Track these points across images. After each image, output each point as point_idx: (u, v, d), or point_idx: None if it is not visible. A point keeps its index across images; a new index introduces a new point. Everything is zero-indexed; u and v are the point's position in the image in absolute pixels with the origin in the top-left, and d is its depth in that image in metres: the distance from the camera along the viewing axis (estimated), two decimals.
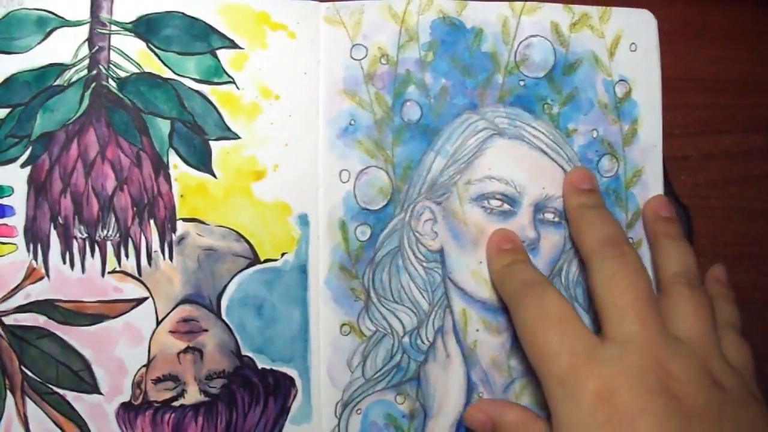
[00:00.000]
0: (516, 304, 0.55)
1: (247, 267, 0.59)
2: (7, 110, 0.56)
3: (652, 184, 0.62)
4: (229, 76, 0.59)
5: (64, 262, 0.57)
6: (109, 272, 0.58)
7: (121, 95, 0.58)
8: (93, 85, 0.57)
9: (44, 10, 0.57)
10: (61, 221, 0.57)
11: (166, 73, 0.58)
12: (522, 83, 0.62)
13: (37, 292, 0.57)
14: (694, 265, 0.57)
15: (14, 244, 0.56)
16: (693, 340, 0.52)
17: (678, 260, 0.57)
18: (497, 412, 0.57)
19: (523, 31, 0.62)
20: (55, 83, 0.57)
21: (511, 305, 0.56)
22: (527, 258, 0.59)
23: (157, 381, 0.58)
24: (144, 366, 0.58)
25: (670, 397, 0.47)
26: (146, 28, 0.58)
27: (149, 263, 0.58)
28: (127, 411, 0.58)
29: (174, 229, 0.58)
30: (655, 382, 0.48)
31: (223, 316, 0.59)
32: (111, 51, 0.58)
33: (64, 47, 0.57)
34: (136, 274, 0.58)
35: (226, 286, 0.59)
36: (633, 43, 0.62)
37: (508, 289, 0.57)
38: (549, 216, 0.61)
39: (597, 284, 0.54)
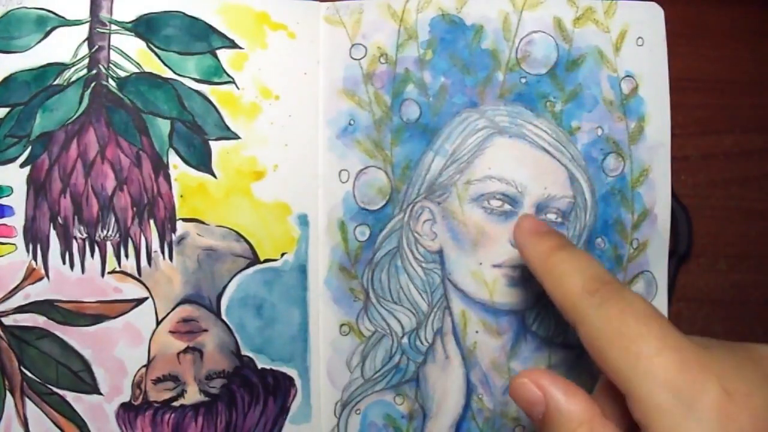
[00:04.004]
0: (588, 303, 0.44)
1: (247, 267, 0.59)
2: (7, 110, 0.56)
3: (659, 184, 0.62)
4: (229, 76, 0.59)
5: (64, 263, 0.57)
6: (108, 272, 0.58)
7: (120, 95, 0.58)
8: (93, 84, 0.57)
9: (44, 9, 0.57)
10: (60, 221, 0.57)
11: (166, 73, 0.58)
12: (523, 80, 0.61)
13: (36, 292, 0.57)
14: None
15: (13, 244, 0.57)
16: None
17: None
18: (559, 397, 0.44)
19: (524, 27, 0.62)
20: (55, 83, 0.57)
21: (577, 305, 0.45)
22: (569, 240, 0.52)
23: (157, 381, 0.58)
24: (144, 366, 0.58)
25: None
26: (146, 27, 0.58)
27: (149, 263, 0.58)
28: (127, 411, 0.58)
29: (174, 229, 0.58)
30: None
31: (223, 316, 0.59)
32: (111, 50, 0.58)
33: (63, 46, 0.57)
34: (136, 275, 0.58)
35: (225, 286, 0.59)
36: (640, 37, 0.62)
37: (571, 285, 0.46)
38: (551, 217, 0.61)
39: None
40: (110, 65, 0.58)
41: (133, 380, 0.58)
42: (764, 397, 0.39)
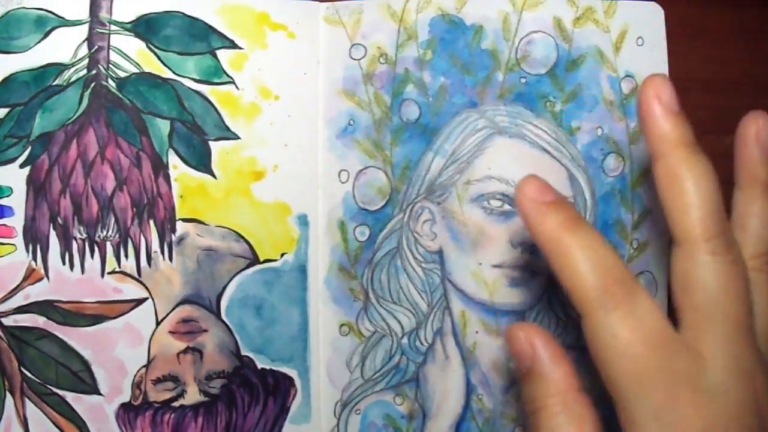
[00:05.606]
0: (598, 304, 0.41)
1: (247, 267, 0.59)
2: (6, 110, 0.56)
3: None
4: (229, 77, 0.59)
5: (64, 263, 0.57)
6: (108, 273, 0.58)
7: (120, 95, 0.58)
8: (92, 85, 0.57)
9: (43, 10, 0.57)
10: (60, 222, 0.57)
11: (166, 73, 0.58)
12: (523, 80, 0.61)
13: (36, 292, 0.57)
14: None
15: (13, 244, 0.57)
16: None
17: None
18: (545, 360, 0.43)
19: (524, 27, 0.62)
20: (54, 83, 0.57)
21: (586, 302, 0.42)
22: (582, 216, 0.46)
23: (157, 381, 0.58)
24: (144, 366, 0.58)
25: None
26: (146, 27, 0.58)
27: (149, 264, 0.58)
28: (127, 411, 0.58)
29: (174, 230, 0.58)
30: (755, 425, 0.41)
31: (223, 317, 0.59)
32: (110, 51, 0.58)
33: (63, 47, 0.57)
34: (136, 275, 0.58)
35: (225, 286, 0.59)
36: (640, 37, 0.62)
37: (582, 278, 0.41)
38: None
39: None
40: (110, 65, 0.58)
41: (133, 380, 0.58)
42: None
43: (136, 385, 0.58)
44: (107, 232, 0.57)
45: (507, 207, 0.60)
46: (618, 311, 0.41)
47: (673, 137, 0.42)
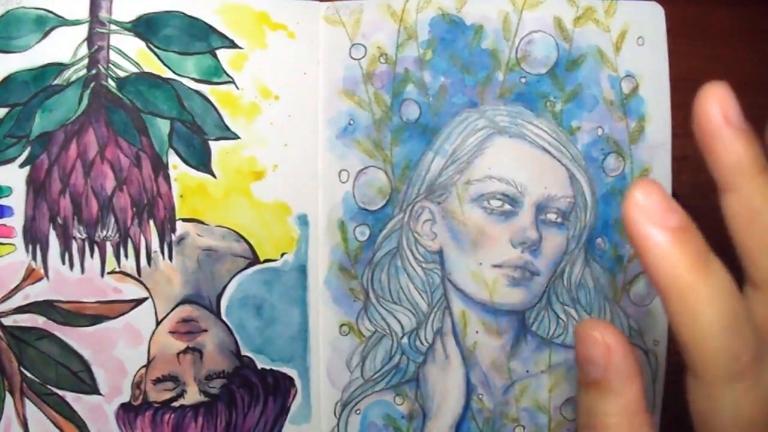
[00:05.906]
0: (722, 372, 0.34)
1: (247, 267, 0.59)
2: (6, 110, 0.56)
3: None
4: (229, 76, 0.59)
5: (64, 263, 0.57)
6: (108, 273, 0.58)
7: (120, 95, 0.57)
8: (92, 84, 0.57)
9: (43, 9, 0.57)
10: (60, 221, 0.57)
11: (166, 73, 0.58)
12: (523, 80, 0.61)
13: (36, 292, 0.57)
14: None
15: (13, 244, 0.56)
16: None
17: None
18: (618, 376, 0.36)
19: (524, 27, 0.61)
20: (54, 83, 0.57)
21: (706, 366, 0.34)
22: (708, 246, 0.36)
23: (157, 381, 0.58)
24: (144, 366, 0.58)
25: None
26: (146, 27, 0.58)
27: (149, 263, 0.58)
28: (127, 412, 0.58)
29: (173, 230, 0.58)
30: None
31: (223, 317, 0.59)
32: (110, 50, 0.58)
33: (63, 46, 0.57)
34: (136, 275, 0.58)
35: (225, 286, 0.59)
36: (640, 37, 0.61)
37: (710, 336, 0.34)
38: (551, 216, 0.61)
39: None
40: (110, 65, 0.58)
41: (133, 380, 0.58)
42: None
43: (136, 385, 0.58)
44: (107, 232, 0.57)
45: (507, 207, 0.60)
46: (743, 382, 0.35)
47: (747, 163, 0.36)
